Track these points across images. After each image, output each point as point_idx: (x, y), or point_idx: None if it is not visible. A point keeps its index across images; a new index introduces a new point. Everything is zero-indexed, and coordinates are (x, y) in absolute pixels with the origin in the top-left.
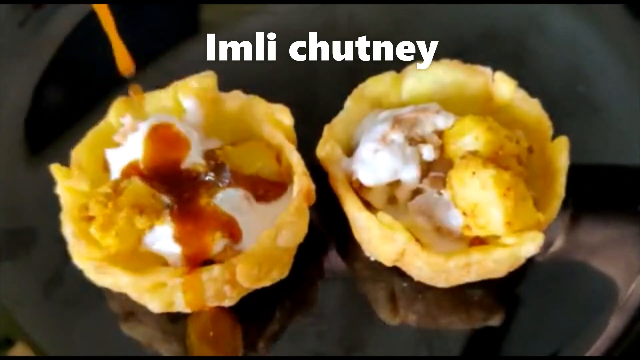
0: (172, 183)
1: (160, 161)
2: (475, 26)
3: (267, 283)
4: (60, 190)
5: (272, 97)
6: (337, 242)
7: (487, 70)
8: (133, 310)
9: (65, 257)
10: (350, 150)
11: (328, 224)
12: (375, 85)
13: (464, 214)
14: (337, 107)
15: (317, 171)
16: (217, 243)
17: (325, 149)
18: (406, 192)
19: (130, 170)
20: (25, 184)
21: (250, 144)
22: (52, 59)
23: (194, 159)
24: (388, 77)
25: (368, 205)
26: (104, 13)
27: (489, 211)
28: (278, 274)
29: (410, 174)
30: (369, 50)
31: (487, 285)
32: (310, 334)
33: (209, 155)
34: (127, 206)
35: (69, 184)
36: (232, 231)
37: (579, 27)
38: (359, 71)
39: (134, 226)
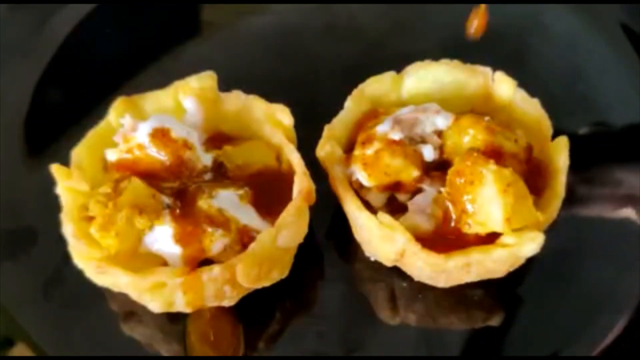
0: (172, 183)
1: (160, 161)
2: None
3: (267, 283)
4: (60, 190)
5: (272, 97)
6: (337, 242)
7: (487, 70)
8: (133, 310)
9: (65, 257)
10: (350, 150)
11: (328, 224)
12: (375, 85)
13: (464, 211)
14: (337, 107)
15: (317, 171)
16: (216, 243)
17: (325, 149)
18: (406, 192)
19: (130, 170)
20: (25, 184)
21: (250, 143)
22: (52, 59)
23: (193, 159)
24: (388, 77)
25: (368, 205)
26: None
27: (488, 207)
28: (278, 274)
29: (410, 174)
30: (369, 50)
31: (487, 285)
32: (311, 334)
33: (208, 155)
34: (127, 206)
35: (69, 184)
36: (245, 240)
37: (579, 27)
38: (359, 71)
39: (134, 226)
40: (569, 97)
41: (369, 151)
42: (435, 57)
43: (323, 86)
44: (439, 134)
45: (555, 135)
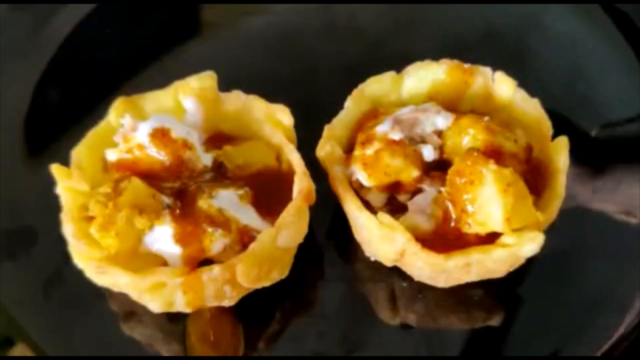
0: (172, 183)
1: (160, 161)
2: (475, 26)
3: (267, 283)
4: (60, 190)
5: (272, 97)
6: (337, 243)
7: (487, 70)
8: (133, 310)
9: (65, 257)
10: (350, 150)
11: (328, 224)
12: (375, 85)
13: (463, 211)
14: (337, 107)
15: (317, 171)
16: (216, 243)
17: (325, 149)
18: (406, 192)
19: (130, 170)
20: (25, 184)
21: (250, 143)
22: (52, 59)
23: (193, 159)
24: (388, 77)
25: (368, 205)
26: None
27: (488, 207)
28: (278, 274)
29: (410, 174)
30: (369, 50)
31: (487, 285)
32: (311, 334)
33: (208, 155)
34: (127, 206)
35: (69, 184)
36: (246, 240)
37: (579, 27)
38: (359, 71)
39: (134, 226)
40: (569, 97)
41: (369, 151)
42: (435, 57)
43: (323, 86)
44: (439, 134)
45: (555, 135)
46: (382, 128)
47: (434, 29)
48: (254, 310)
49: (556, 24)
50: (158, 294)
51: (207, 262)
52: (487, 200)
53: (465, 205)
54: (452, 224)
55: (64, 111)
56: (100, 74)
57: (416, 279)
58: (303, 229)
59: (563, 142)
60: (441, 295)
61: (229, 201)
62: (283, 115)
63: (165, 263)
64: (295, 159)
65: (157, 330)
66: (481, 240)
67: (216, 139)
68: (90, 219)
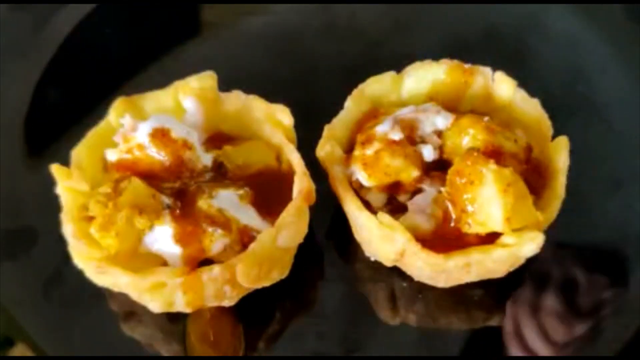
0: (172, 183)
1: (160, 161)
2: (475, 26)
3: (267, 283)
4: (60, 190)
5: (272, 97)
6: (337, 242)
7: (487, 70)
8: (133, 310)
9: (65, 257)
10: (350, 150)
11: (328, 224)
12: (375, 85)
13: (463, 211)
14: (337, 107)
15: (317, 171)
16: (216, 243)
17: (325, 149)
18: (406, 192)
19: (130, 170)
20: (25, 184)
21: (250, 143)
22: (52, 59)
23: (193, 159)
24: (388, 77)
25: (368, 205)
26: None
27: (488, 207)
28: (278, 274)
29: (410, 174)
30: (369, 50)
31: (487, 285)
32: (311, 334)
33: (208, 155)
34: (127, 206)
35: (69, 184)
36: (245, 240)
37: (579, 27)
38: (359, 71)
39: (134, 226)
40: (569, 97)
41: (369, 151)
42: (435, 57)
43: (323, 86)
44: (439, 134)
45: (555, 135)
46: (382, 128)
47: (434, 29)
48: (254, 310)
49: (556, 24)
50: (158, 294)
51: (207, 262)
52: (487, 200)
53: (465, 205)
54: (452, 224)
55: (64, 111)
56: (100, 74)
57: (416, 279)
58: (303, 229)
59: (563, 142)
60: (441, 295)
61: (229, 201)
62: (283, 115)
63: (165, 263)
64: (295, 159)
65: (157, 330)
66: (481, 240)
67: (216, 139)
68: (90, 219)
